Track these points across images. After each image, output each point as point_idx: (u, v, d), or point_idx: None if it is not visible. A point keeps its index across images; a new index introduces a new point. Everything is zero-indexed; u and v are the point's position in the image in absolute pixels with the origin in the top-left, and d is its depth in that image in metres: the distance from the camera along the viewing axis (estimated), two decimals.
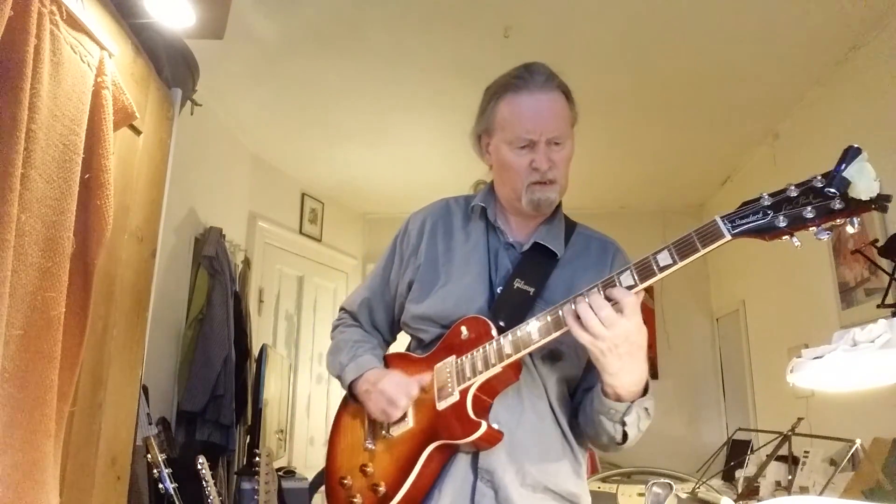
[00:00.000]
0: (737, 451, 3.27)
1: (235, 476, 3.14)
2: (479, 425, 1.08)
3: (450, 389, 1.14)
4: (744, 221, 0.92)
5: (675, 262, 0.96)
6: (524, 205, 1.22)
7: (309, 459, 4.21)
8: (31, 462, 1.07)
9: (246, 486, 2.81)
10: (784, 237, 0.91)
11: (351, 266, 4.86)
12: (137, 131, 1.57)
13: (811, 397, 2.86)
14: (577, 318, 1.01)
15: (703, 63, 2.83)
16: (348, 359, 1.31)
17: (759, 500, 2.54)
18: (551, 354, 1.19)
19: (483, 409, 1.13)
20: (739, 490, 2.79)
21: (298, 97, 3.26)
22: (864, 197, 0.84)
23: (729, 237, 0.92)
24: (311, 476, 3.45)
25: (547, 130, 1.18)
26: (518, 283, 1.20)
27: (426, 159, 3.96)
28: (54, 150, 1.15)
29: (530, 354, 1.13)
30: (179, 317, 3.02)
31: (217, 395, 2.88)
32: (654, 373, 4.50)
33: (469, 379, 1.12)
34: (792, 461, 2.41)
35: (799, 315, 3.18)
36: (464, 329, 1.18)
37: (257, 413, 3.34)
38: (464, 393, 1.12)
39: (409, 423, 1.18)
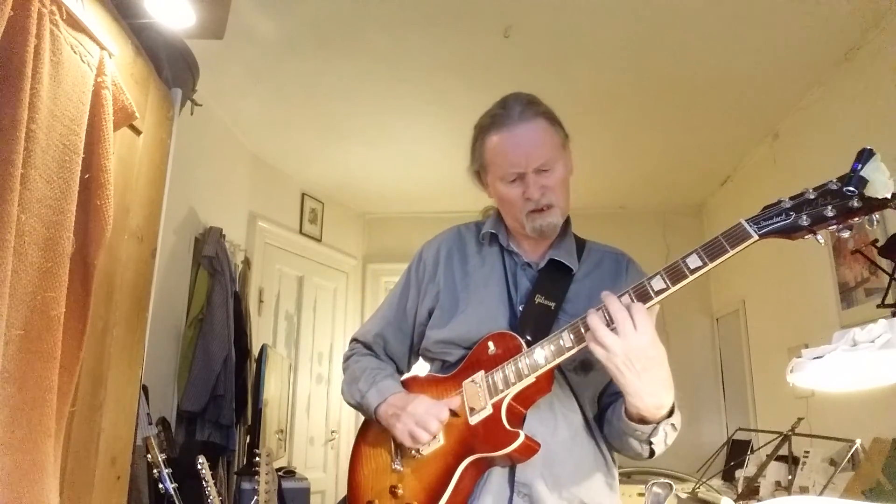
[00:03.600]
0: (737, 451, 3.27)
1: (235, 476, 3.14)
2: (516, 435, 1.08)
3: (482, 403, 1.14)
4: (769, 222, 0.96)
5: (705, 264, 0.98)
6: (529, 232, 1.25)
7: (309, 459, 4.21)
8: (31, 462, 1.07)
9: (246, 486, 2.81)
10: (808, 236, 0.96)
11: (351, 266, 4.86)
12: (137, 131, 1.57)
13: (811, 397, 2.86)
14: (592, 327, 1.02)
15: (703, 63, 2.83)
16: (368, 385, 1.30)
17: (759, 500, 2.54)
18: (583, 365, 1.19)
19: (517, 420, 1.13)
20: (739, 490, 2.79)
21: (298, 97, 3.26)
22: (881, 195, 0.89)
23: (756, 237, 0.96)
24: (311, 476, 3.45)
25: (531, 161, 1.19)
26: (539, 299, 1.22)
27: (426, 159, 3.96)
28: (54, 150, 1.15)
29: (561, 367, 1.14)
30: (179, 317, 3.02)
31: (217, 395, 2.88)
32: None
33: (502, 391, 1.12)
34: (792, 461, 2.41)
35: (799, 315, 3.18)
36: (491, 345, 1.18)
37: (257, 413, 3.34)
38: (497, 406, 1.12)
39: (440, 440, 1.18)
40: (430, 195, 4.42)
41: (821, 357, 1.22)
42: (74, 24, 1.21)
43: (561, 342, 1.08)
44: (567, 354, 1.07)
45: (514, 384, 1.11)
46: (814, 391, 2.61)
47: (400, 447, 1.23)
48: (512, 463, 1.14)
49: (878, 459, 2.17)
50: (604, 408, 1.24)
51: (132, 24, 1.52)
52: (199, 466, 1.94)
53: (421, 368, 1.41)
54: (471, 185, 1.40)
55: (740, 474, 2.96)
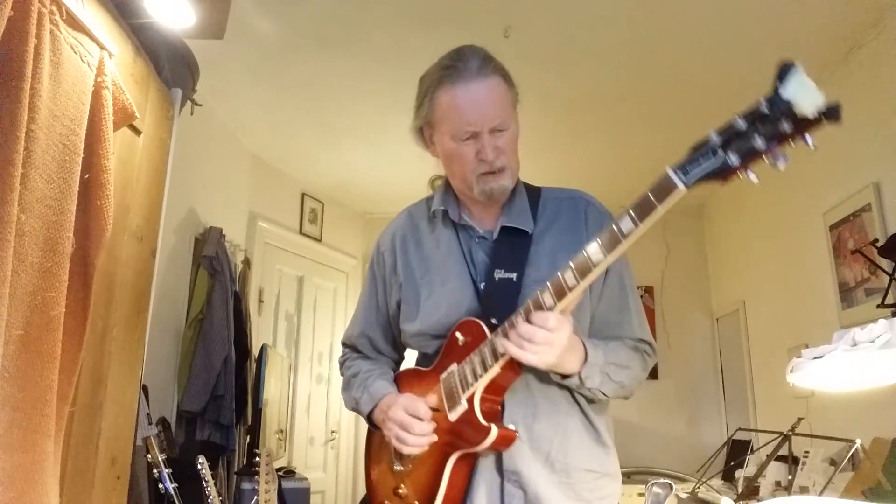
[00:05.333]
0: (737, 451, 3.27)
1: (235, 476, 3.13)
2: (488, 430, 1.08)
3: (457, 399, 1.14)
4: (696, 169, 0.89)
5: (636, 225, 0.94)
6: (478, 195, 1.20)
7: (309, 459, 4.21)
8: (31, 462, 1.07)
9: (246, 486, 2.81)
10: (741, 175, 0.86)
11: (351, 266, 4.86)
12: (137, 131, 1.57)
13: (811, 397, 2.86)
14: (520, 345, 1.02)
15: (703, 63, 2.83)
16: (360, 391, 1.31)
17: (759, 500, 2.54)
18: None
19: (494, 411, 1.13)
20: (739, 490, 2.79)
21: (298, 97, 3.26)
22: (811, 113, 0.79)
23: (683, 188, 0.89)
24: (311, 476, 3.46)
25: (488, 120, 1.15)
26: (499, 274, 1.19)
27: (426, 159, 3.95)
28: (54, 150, 1.15)
29: None
30: (179, 317, 3.02)
31: (217, 395, 2.88)
32: (654, 373, 4.51)
33: (471, 385, 1.12)
34: (792, 461, 2.41)
35: (799, 315, 3.18)
36: (458, 335, 1.17)
37: (257, 413, 3.34)
38: (470, 400, 1.12)
39: (432, 437, 1.18)
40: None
41: (821, 357, 1.22)
42: (74, 24, 1.21)
43: (517, 326, 1.06)
44: None
45: (481, 376, 1.10)
46: (814, 391, 2.61)
47: (395, 449, 1.24)
48: (498, 451, 1.14)
49: (878, 459, 2.17)
50: None
51: (132, 24, 1.52)
52: (199, 466, 1.94)
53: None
54: (427, 182, 1.39)
55: (740, 474, 2.96)
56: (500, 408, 1.14)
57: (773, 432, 2.52)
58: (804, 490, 2.41)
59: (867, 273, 2.53)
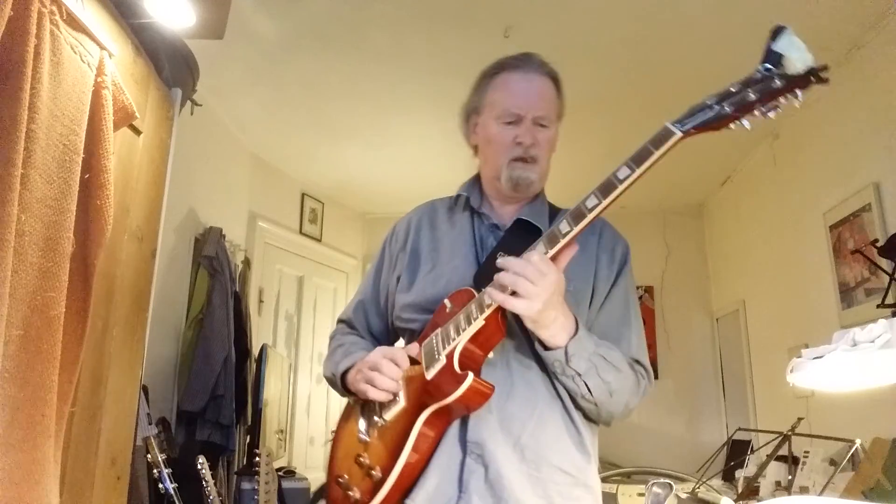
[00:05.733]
0: (737, 451, 3.27)
1: (235, 476, 3.14)
2: (464, 377, 1.03)
3: (436, 356, 1.10)
4: (692, 119, 0.95)
5: (632, 171, 0.96)
6: (503, 182, 1.23)
7: (309, 459, 4.21)
8: (31, 462, 1.07)
9: (246, 486, 2.81)
10: (733, 124, 0.94)
11: (351, 266, 4.86)
12: (137, 131, 1.57)
13: (811, 397, 2.86)
14: (505, 289, 1.00)
15: (702, 63, 2.83)
16: (341, 356, 1.29)
17: (759, 500, 2.54)
18: None
19: (471, 365, 1.09)
20: (739, 490, 2.79)
21: (298, 97, 3.26)
22: (801, 69, 0.89)
23: (679, 134, 0.94)
24: (311, 476, 3.45)
25: (534, 108, 1.21)
26: (500, 258, 1.17)
27: (426, 159, 3.96)
28: (54, 150, 1.15)
29: (518, 320, 1.09)
30: (179, 317, 3.02)
31: (217, 395, 2.88)
32: (654, 373, 4.49)
33: (454, 339, 1.08)
34: (792, 461, 2.41)
35: (799, 315, 3.18)
36: (448, 302, 1.16)
37: (257, 413, 3.34)
38: (450, 355, 1.08)
39: (401, 402, 1.14)
40: (430, 195, 4.40)
41: (821, 357, 1.22)
42: (74, 24, 1.21)
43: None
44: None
45: (464, 330, 1.07)
46: (814, 391, 2.61)
47: (366, 415, 1.20)
48: (467, 411, 1.09)
49: (878, 459, 2.17)
50: None
51: (132, 24, 1.52)
52: (199, 466, 1.94)
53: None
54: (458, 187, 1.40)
55: (740, 474, 2.96)
56: (478, 366, 1.10)
57: (773, 432, 2.52)
58: (804, 490, 2.41)
59: (867, 273, 2.53)
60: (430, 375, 1.10)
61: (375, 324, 1.40)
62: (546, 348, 1.08)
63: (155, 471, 1.83)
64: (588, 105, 3.18)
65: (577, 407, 1.16)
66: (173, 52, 1.75)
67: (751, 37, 2.59)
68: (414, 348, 1.16)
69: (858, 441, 2.08)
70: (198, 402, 2.81)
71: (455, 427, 1.12)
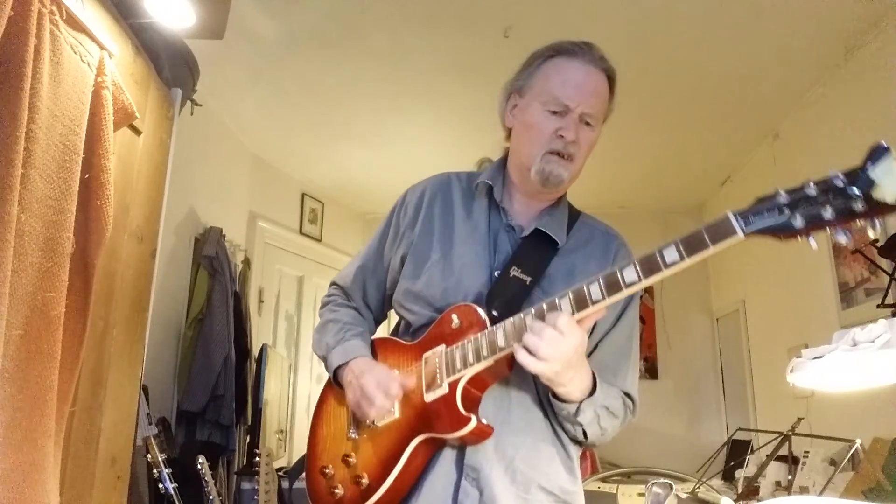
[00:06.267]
0: (737, 451, 3.27)
1: (235, 476, 3.14)
2: (468, 420, 1.03)
3: (439, 381, 1.08)
4: (758, 220, 0.85)
5: (682, 259, 0.89)
6: (533, 175, 1.16)
7: None
8: (31, 462, 1.07)
9: (246, 486, 2.81)
10: (799, 238, 0.84)
11: None
12: (137, 131, 1.57)
13: (811, 397, 2.86)
14: (524, 348, 0.98)
15: (703, 63, 2.83)
16: (335, 341, 1.25)
17: (759, 500, 2.54)
18: None
19: (472, 402, 1.08)
20: (739, 490, 2.79)
21: (298, 97, 3.26)
22: (890, 199, 0.77)
23: (741, 236, 0.85)
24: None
25: (585, 103, 1.14)
26: (515, 272, 1.15)
27: (426, 159, 3.96)
28: (54, 150, 1.15)
29: None
30: (179, 317, 3.02)
31: (217, 395, 2.88)
32: (654, 373, 4.51)
33: (459, 371, 1.06)
34: (792, 461, 2.41)
35: (799, 315, 3.18)
36: (454, 317, 1.12)
37: (257, 413, 3.34)
38: (453, 385, 1.06)
39: (395, 413, 1.13)
40: None
41: (821, 357, 1.22)
42: (74, 24, 1.22)
43: (524, 324, 1.01)
44: None
45: (471, 365, 1.05)
46: (814, 391, 2.61)
47: (356, 415, 1.19)
48: (463, 444, 1.10)
49: (878, 459, 2.17)
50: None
51: (132, 24, 1.52)
52: (199, 466, 1.94)
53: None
54: (475, 162, 1.37)
55: (740, 474, 2.96)
56: (478, 401, 1.10)
57: (773, 432, 2.52)
58: (804, 490, 2.41)
59: (867, 273, 2.53)
60: (428, 399, 1.09)
61: (372, 294, 1.35)
62: (557, 398, 1.08)
63: (155, 471, 1.83)
64: None
65: (567, 430, 1.18)
66: (173, 52, 1.75)
67: (751, 36, 2.60)
68: (411, 379, 1.14)
69: (858, 441, 2.08)
70: (198, 402, 2.81)
71: (451, 448, 1.12)
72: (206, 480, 1.94)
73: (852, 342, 1.18)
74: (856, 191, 0.79)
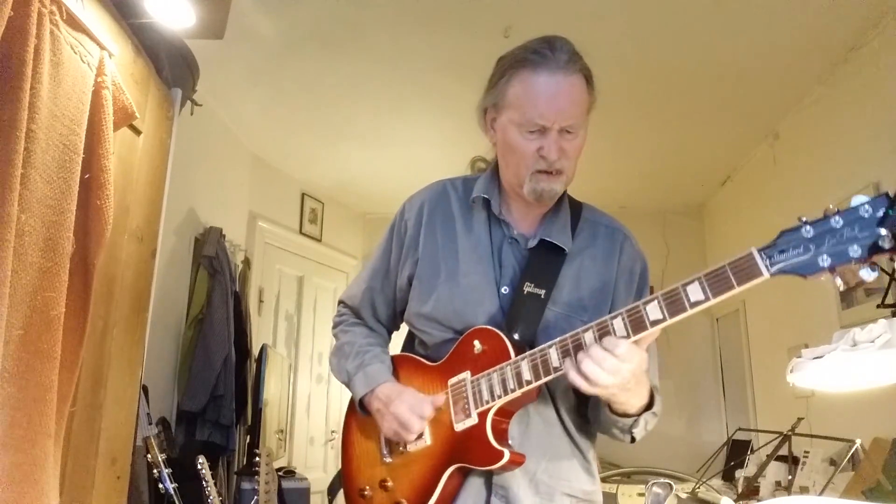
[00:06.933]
0: (737, 451, 3.27)
1: (235, 476, 3.14)
2: (501, 455, 1.06)
3: (467, 411, 1.11)
4: (783, 258, 0.85)
5: (707, 299, 0.90)
6: (526, 193, 1.14)
7: (309, 459, 4.21)
8: (31, 462, 1.07)
9: (246, 486, 2.81)
10: (824, 276, 0.83)
11: (351, 266, 4.85)
12: (137, 131, 1.57)
13: (811, 397, 2.86)
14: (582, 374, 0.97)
15: (702, 63, 2.83)
16: (355, 367, 1.25)
17: (759, 500, 2.54)
18: None
19: (501, 431, 1.11)
20: (739, 490, 2.79)
21: (298, 97, 3.26)
22: None
23: (767, 276, 0.85)
24: (311, 476, 3.45)
25: (561, 118, 1.09)
26: (528, 288, 1.14)
27: (426, 159, 3.96)
28: (54, 150, 1.15)
29: None
30: (179, 317, 3.02)
31: (217, 395, 2.88)
32: None
33: (487, 403, 1.08)
34: (792, 461, 2.41)
35: (799, 315, 3.18)
36: (477, 343, 1.13)
37: (257, 413, 3.34)
38: (482, 416, 1.09)
39: (427, 440, 1.16)
40: None
41: (821, 357, 1.22)
42: (74, 24, 1.22)
43: (549, 360, 1.03)
44: (554, 375, 1.02)
45: (499, 397, 1.07)
46: (814, 391, 2.61)
47: (388, 440, 1.22)
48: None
49: (878, 459, 2.17)
50: (582, 398, 1.19)
51: (132, 24, 1.52)
52: (199, 466, 1.94)
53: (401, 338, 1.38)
54: (468, 163, 1.37)
55: (740, 474, 2.96)
56: (506, 430, 1.12)
57: (773, 432, 2.52)
58: (804, 490, 2.41)
59: None
60: (458, 428, 1.11)
61: (382, 311, 1.35)
62: (614, 412, 1.09)
63: (155, 471, 1.83)
64: None
65: (584, 434, 1.20)
66: (173, 52, 1.75)
67: (750, 36, 2.60)
68: (440, 399, 1.15)
69: (858, 441, 2.08)
70: (198, 402, 2.81)
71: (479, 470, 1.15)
72: (206, 480, 1.94)
73: (852, 342, 1.18)
74: (884, 231, 0.78)
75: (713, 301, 0.90)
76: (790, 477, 2.43)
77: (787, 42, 2.63)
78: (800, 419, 2.37)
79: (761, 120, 3.33)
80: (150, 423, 1.98)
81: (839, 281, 0.82)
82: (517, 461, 1.08)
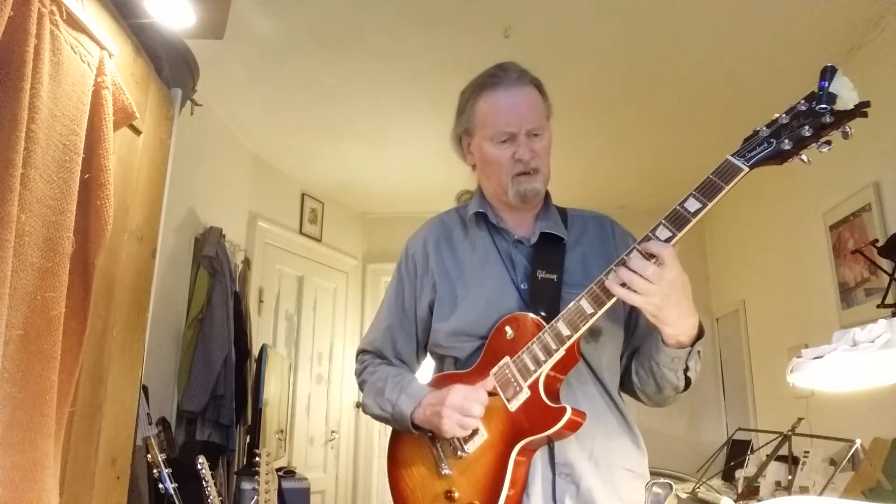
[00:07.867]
0: (737, 451, 3.27)
1: (235, 476, 3.13)
2: (563, 410, 1.08)
3: (517, 388, 1.13)
4: (754, 153, 0.99)
5: (704, 205, 1.00)
6: (511, 197, 1.25)
7: (309, 459, 4.21)
8: (31, 462, 1.07)
9: (246, 486, 2.81)
10: (793, 158, 0.99)
11: (351, 266, 4.86)
12: (137, 131, 1.57)
13: (811, 397, 2.86)
14: (623, 284, 1.02)
15: (702, 63, 2.83)
16: (396, 393, 1.25)
17: (759, 500, 2.54)
18: (592, 334, 1.20)
19: (555, 392, 1.13)
20: (739, 490, 2.79)
21: (298, 97, 3.26)
22: (850, 107, 0.97)
23: (747, 169, 0.99)
24: (311, 476, 3.45)
25: (525, 123, 1.23)
26: (541, 273, 1.23)
27: (426, 159, 3.96)
28: (54, 150, 1.15)
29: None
30: (179, 317, 3.02)
31: (217, 395, 2.88)
32: None
33: (534, 371, 1.11)
34: (792, 461, 2.41)
35: (799, 315, 3.18)
36: (508, 329, 1.18)
37: (257, 413, 3.34)
38: (534, 386, 1.11)
39: (484, 434, 1.15)
40: (430, 195, 4.42)
41: (821, 357, 1.22)
42: (74, 24, 1.21)
43: (583, 309, 1.07)
44: (591, 321, 1.07)
45: (545, 361, 1.10)
46: (814, 391, 2.61)
47: (443, 450, 1.20)
48: (551, 442, 1.14)
49: (878, 459, 2.17)
50: (627, 365, 1.27)
51: (132, 24, 1.52)
52: (199, 466, 1.93)
53: (427, 370, 1.38)
54: (471, 185, 1.40)
55: (740, 474, 2.96)
56: (558, 394, 1.14)
57: (773, 432, 2.52)
58: (804, 490, 2.41)
59: (867, 273, 2.53)
60: (513, 407, 1.13)
61: (404, 349, 1.38)
62: (665, 344, 1.12)
63: (155, 471, 1.83)
64: (587, 104, 3.18)
65: (623, 411, 1.24)
66: (173, 52, 1.75)
67: (750, 37, 2.60)
68: (489, 383, 1.17)
69: (858, 441, 2.08)
70: (198, 402, 2.82)
71: (541, 450, 1.16)
72: (206, 480, 1.93)
73: (852, 342, 1.18)
74: (823, 107, 0.97)
75: (710, 205, 1.01)
76: (790, 477, 2.43)
77: (787, 42, 2.63)
78: (800, 419, 2.37)
79: (761, 120, 3.32)
80: (150, 423, 1.98)
81: (805, 157, 1.00)
82: (579, 418, 1.10)
